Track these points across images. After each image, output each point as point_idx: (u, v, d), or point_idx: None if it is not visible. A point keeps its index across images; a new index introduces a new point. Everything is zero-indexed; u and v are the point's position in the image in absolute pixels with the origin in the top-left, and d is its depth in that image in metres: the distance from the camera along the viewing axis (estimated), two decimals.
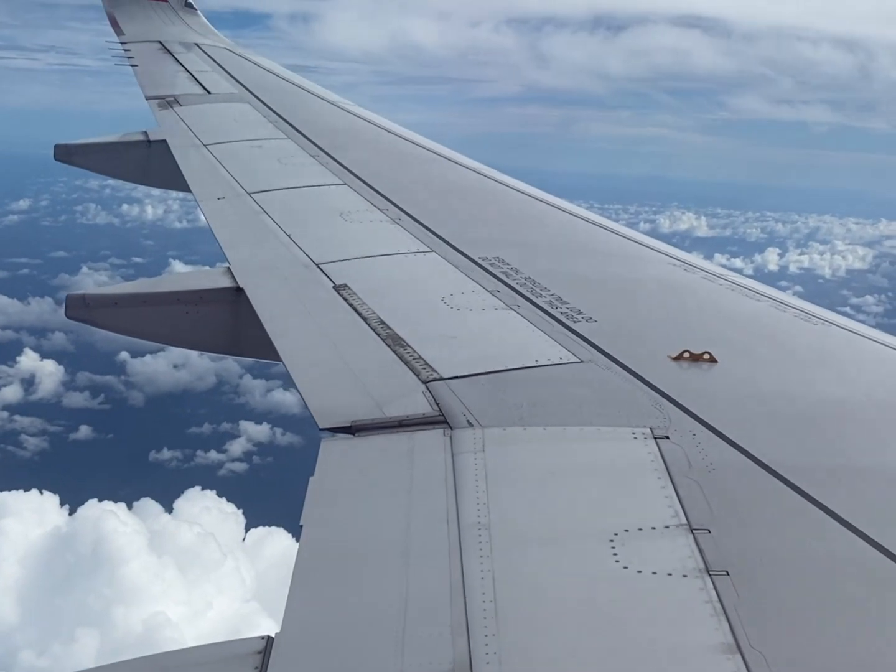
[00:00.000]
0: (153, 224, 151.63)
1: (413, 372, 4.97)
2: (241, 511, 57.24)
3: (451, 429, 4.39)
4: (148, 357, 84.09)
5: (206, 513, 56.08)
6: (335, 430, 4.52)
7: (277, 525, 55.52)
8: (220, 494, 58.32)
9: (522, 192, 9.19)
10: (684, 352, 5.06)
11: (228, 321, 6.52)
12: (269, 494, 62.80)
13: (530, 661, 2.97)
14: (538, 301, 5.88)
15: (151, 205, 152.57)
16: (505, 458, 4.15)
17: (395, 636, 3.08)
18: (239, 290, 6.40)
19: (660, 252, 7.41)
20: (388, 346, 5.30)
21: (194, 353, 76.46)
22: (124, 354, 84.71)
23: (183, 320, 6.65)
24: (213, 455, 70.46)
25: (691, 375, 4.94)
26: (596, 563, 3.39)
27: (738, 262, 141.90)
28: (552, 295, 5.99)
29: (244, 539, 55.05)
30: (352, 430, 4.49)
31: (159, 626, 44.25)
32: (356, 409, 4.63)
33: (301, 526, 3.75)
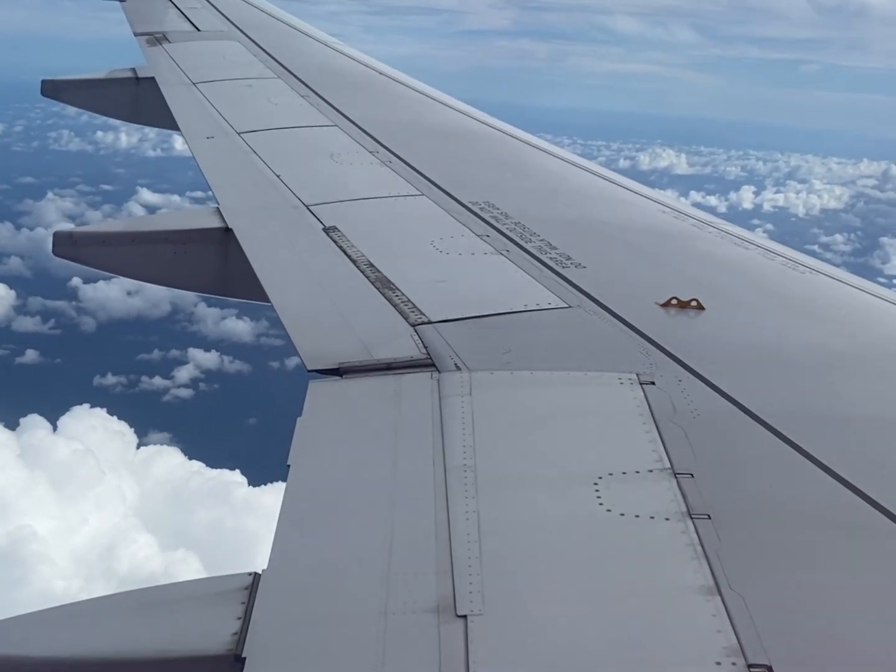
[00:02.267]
0: (126, 152, 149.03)
1: (401, 315, 4.98)
2: (133, 430, 56.89)
3: (439, 372, 4.41)
4: (101, 283, 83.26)
5: (91, 431, 55.02)
6: (323, 372, 4.53)
7: (173, 445, 56.34)
8: (111, 413, 57.82)
9: (514, 137, 9.14)
10: (672, 298, 5.08)
11: (217, 262, 6.50)
12: (190, 418, 63.77)
13: (513, 600, 3.01)
14: (527, 246, 5.89)
15: (126, 132, 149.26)
16: (492, 401, 4.18)
17: (381, 575, 3.12)
18: (228, 231, 6.38)
19: (650, 199, 7.40)
20: (377, 289, 5.31)
21: None
22: (76, 280, 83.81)
23: (171, 260, 6.63)
24: (158, 381, 70.53)
25: (678, 322, 4.96)
26: (580, 506, 3.43)
27: (712, 200, 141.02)
28: (542, 240, 5.99)
29: (133, 457, 54.57)
30: (339, 372, 4.50)
31: (24, 540, 43.64)
32: (344, 352, 4.65)
33: (288, 466, 3.78)
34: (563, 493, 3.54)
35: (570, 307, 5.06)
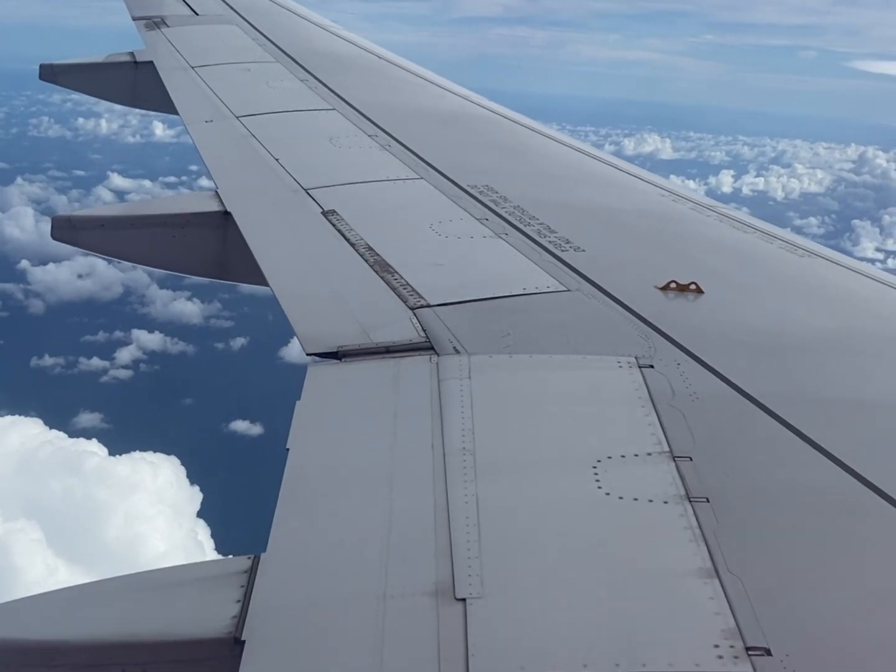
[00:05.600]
0: (106, 138, 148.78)
1: (400, 298, 4.97)
2: None
3: (438, 355, 4.41)
4: (51, 265, 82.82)
5: None
6: (322, 356, 4.53)
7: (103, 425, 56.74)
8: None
9: (513, 121, 9.12)
10: (671, 282, 5.08)
11: (215, 245, 6.50)
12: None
13: (512, 583, 3.02)
14: (526, 229, 5.88)
15: (107, 119, 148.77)
16: (490, 384, 4.18)
17: (380, 558, 3.12)
18: (226, 215, 6.37)
19: (649, 182, 7.39)
20: (376, 272, 5.30)
21: (101, 263, 75.02)
22: (25, 263, 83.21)
23: (169, 244, 6.62)
24: (97, 362, 70.42)
25: (677, 305, 4.96)
26: (579, 489, 3.43)
27: (691, 184, 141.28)
28: (540, 223, 5.98)
29: None
30: (338, 355, 4.50)
31: None
32: (343, 335, 4.65)
33: (287, 449, 3.78)
34: (562, 477, 3.54)
35: (568, 290, 5.06)
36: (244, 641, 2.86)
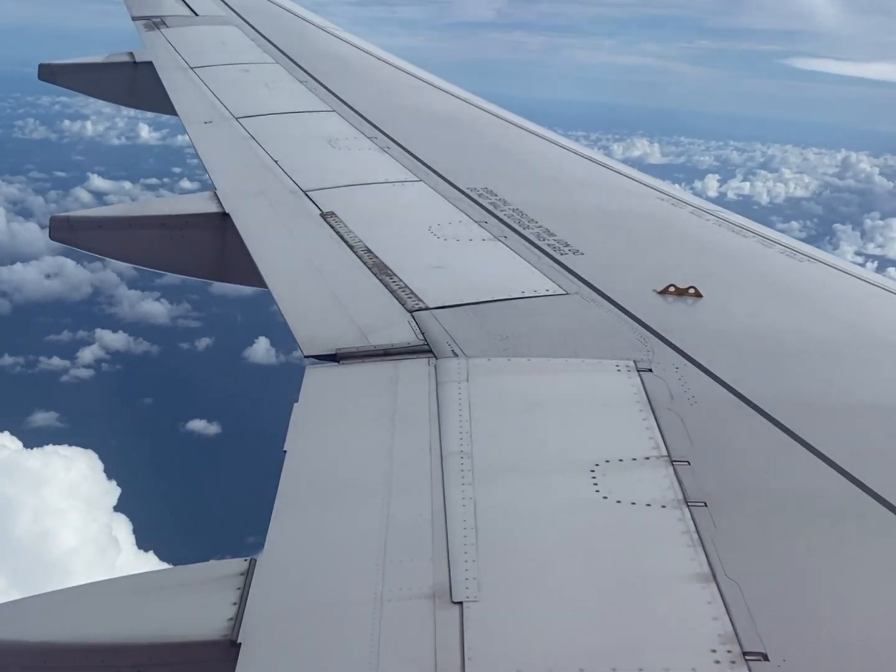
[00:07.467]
0: (91, 140, 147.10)
1: (399, 301, 4.97)
2: None
3: (436, 358, 4.41)
4: (18, 265, 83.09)
5: None
6: (320, 358, 4.53)
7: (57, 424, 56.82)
8: None
9: (513, 123, 9.11)
10: (670, 286, 5.07)
11: (214, 246, 6.49)
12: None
13: (509, 587, 3.01)
14: (525, 233, 5.88)
15: (94, 121, 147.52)
16: (489, 388, 4.17)
17: (377, 560, 3.12)
18: (225, 216, 6.36)
19: (648, 186, 7.39)
20: (375, 274, 5.30)
21: (70, 263, 76.44)
22: None
23: (168, 244, 6.62)
24: (57, 361, 70.32)
25: (676, 309, 4.96)
26: (576, 493, 3.43)
27: (676, 188, 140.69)
28: (540, 227, 5.98)
29: None
30: (337, 358, 4.50)
31: None
32: (341, 338, 4.65)
33: (284, 451, 3.78)
34: (560, 480, 3.54)
35: (567, 294, 5.05)
36: (240, 644, 2.85)
